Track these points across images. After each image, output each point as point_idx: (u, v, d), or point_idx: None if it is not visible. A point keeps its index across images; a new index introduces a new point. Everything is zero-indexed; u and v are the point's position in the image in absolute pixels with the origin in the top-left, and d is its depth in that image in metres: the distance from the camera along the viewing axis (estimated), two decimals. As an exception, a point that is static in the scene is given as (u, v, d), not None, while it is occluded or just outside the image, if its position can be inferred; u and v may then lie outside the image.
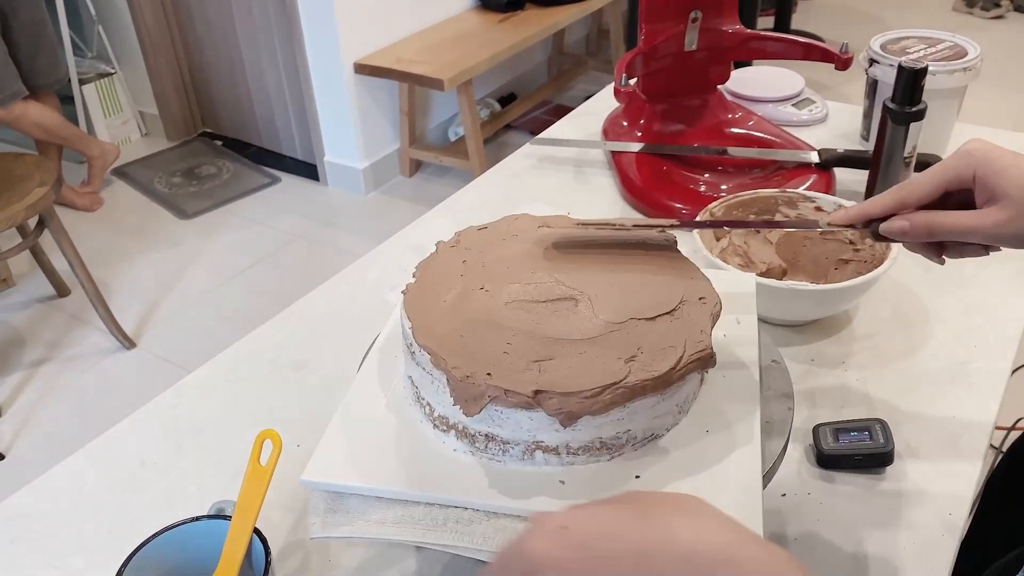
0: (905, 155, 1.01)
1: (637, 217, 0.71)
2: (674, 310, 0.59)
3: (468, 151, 2.88)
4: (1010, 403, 0.89)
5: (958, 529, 0.68)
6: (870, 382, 0.83)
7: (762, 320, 0.84)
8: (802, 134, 1.25)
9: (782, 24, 3.58)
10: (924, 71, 0.97)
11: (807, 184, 1.09)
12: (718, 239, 0.94)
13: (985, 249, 0.60)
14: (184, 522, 0.60)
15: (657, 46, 1.14)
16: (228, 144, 3.37)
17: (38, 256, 2.44)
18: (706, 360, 0.57)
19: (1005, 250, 0.60)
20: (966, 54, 1.15)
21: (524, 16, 3.06)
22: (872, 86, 1.20)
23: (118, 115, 3.35)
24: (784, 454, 0.60)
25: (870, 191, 1.05)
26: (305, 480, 0.57)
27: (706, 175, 1.15)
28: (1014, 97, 3.38)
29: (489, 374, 0.54)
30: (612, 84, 1.19)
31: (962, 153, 0.58)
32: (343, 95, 2.81)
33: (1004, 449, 1.25)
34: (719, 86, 1.24)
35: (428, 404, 0.60)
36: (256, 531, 0.59)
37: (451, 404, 0.56)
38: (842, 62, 1.11)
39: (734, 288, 0.70)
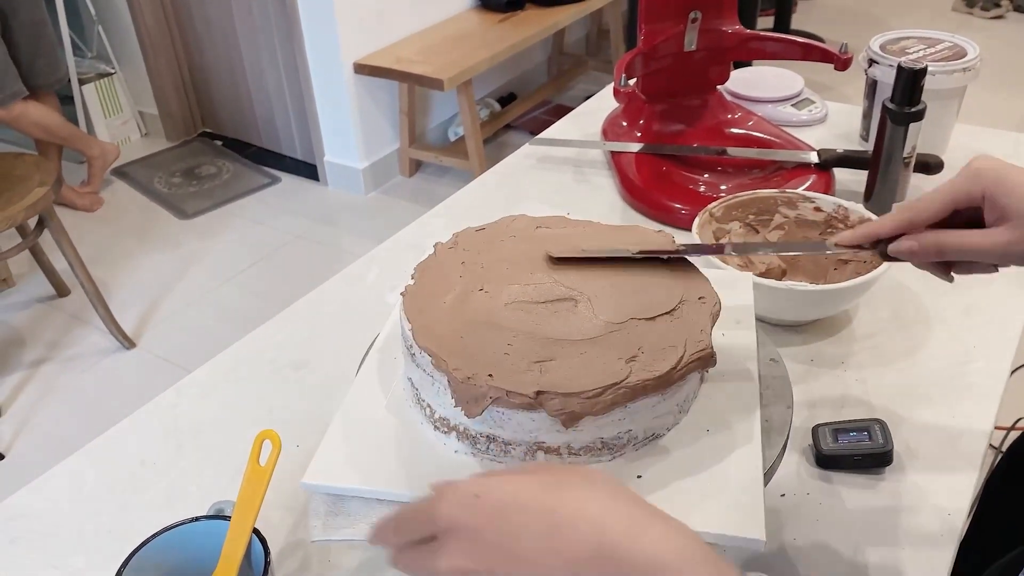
0: (904, 155, 1.01)
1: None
2: (674, 310, 0.59)
3: (468, 151, 2.88)
4: (1009, 403, 0.89)
5: (957, 529, 0.68)
6: (869, 382, 0.83)
7: (761, 320, 0.84)
8: (802, 134, 1.25)
9: (782, 24, 3.59)
10: (923, 71, 0.97)
11: (806, 184, 1.09)
12: (718, 239, 0.94)
13: (994, 267, 0.59)
14: (184, 522, 0.60)
15: (657, 46, 1.14)
16: (228, 144, 3.37)
17: (38, 256, 2.44)
18: (706, 360, 0.57)
19: None
20: (965, 54, 1.15)
21: (524, 16, 3.06)
22: (871, 86, 1.20)
23: (118, 115, 3.35)
24: (783, 454, 0.60)
25: (869, 191, 1.05)
26: (306, 483, 0.57)
27: (706, 175, 1.15)
28: (1014, 97, 3.38)
29: (490, 375, 0.54)
30: (612, 84, 1.19)
31: (971, 171, 0.57)
32: (343, 95, 2.81)
33: (1004, 449, 1.25)
34: (719, 86, 1.24)
35: (429, 406, 0.60)
36: (255, 531, 0.59)
37: (452, 406, 0.56)
38: (841, 62, 1.11)
39: (732, 288, 0.70)
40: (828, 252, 0.64)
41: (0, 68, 2.43)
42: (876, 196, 1.04)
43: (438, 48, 2.81)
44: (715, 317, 0.60)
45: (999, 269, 0.60)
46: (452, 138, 3.22)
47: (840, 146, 1.17)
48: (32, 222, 2.19)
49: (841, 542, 0.68)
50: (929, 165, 1.08)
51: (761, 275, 0.88)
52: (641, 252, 0.65)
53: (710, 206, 0.94)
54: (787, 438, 0.61)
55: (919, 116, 0.99)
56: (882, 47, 1.18)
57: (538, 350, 0.56)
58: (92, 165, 2.93)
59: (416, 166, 3.10)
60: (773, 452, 0.59)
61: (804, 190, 1.05)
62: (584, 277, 0.63)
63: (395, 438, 0.60)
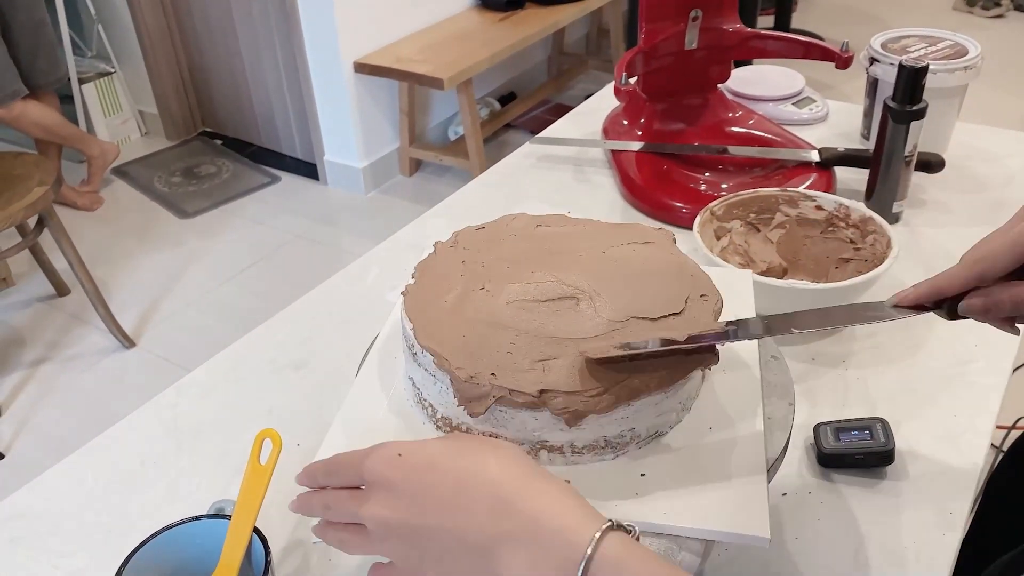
0: (906, 154, 1.01)
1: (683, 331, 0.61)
2: (681, 311, 0.59)
3: (468, 150, 2.88)
4: (1010, 402, 0.89)
5: (959, 528, 0.68)
6: (871, 381, 0.83)
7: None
8: (803, 133, 1.25)
9: (782, 23, 3.59)
10: (925, 70, 0.97)
11: (807, 183, 1.09)
12: (719, 238, 0.94)
13: None
14: (184, 521, 0.60)
15: (657, 45, 1.14)
16: (228, 143, 3.37)
17: (38, 255, 2.44)
18: (709, 358, 0.57)
19: None
20: (967, 53, 1.15)
21: (524, 15, 3.06)
22: (872, 85, 1.20)
23: (118, 114, 3.35)
24: (785, 453, 0.60)
25: (871, 190, 1.05)
26: None
27: (706, 174, 1.15)
28: (1015, 96, 3.38)
29: (493, 374, 0.54)
30: (612, 83, 1.19)
31: None
32: (343, 94, 2.81)
33: (1005, 448, 1.25)
34: (719, 85, 1.24)
35: (431, 405, 0.59)
36: (256, 531, 0.59)
37: (454, 405, 0.56)
38: (842, 61, 1.11)
39: (732, 286, 0.70)
40: (889, 320, 0.57)
41: (0, 67, 2.43)
42: (877, 195, 1.04)
43: (438, 47, 2.81)
44: (717, 315, 0.60)
45: None
46: (452, 137, 3.22)
47: (841, 145, 1.17)
48: (32, 221, 2.19)
49: (842, 541, 0.68)
50: (930, 164, 1.07)
51: (762, 273, 0.88)
52: (689, 338, 0.55)
53: (711, 205, 0.94)
54: (788, 437, 0.61)
55: (920, 115, 0.99)
56: (883, 45, 1.18)
57: (541, 349, 0.56)
58: (92, 164, 2.93)
59: (416, 165, 3.10)
60: (774, 451, 0.59)
61: (805, 189, 1.05)
62: (586, 275, 0.63)
63: (397, 438, 0.60)
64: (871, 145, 1.07)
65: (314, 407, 0.83)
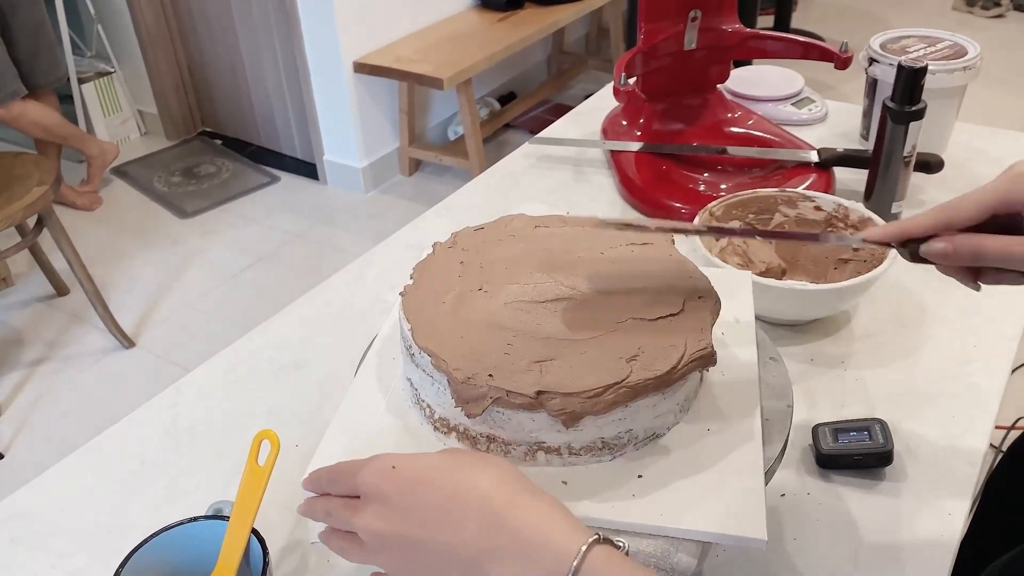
0: (905, 154, 1.01)
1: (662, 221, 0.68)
2: (680, 312, 0.59)
3: (468, 150, 2.88)
4: (1009, 402, 0.89)
5: (958, 529, 0.68)
6: (869, 382, 0.83)
7: (761, 319, 0.84)
8: (802, 133, 1.25)
9: (782, 23, 3.59)
10: (924, 70, 0.97)
11: (807, 183, 1.09)
12: (717, 239, 0.94)
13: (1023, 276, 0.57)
14: (182, 522, 0.60)
15: (657, 45, 1.14)
16: (227, 143, 3.37)
17: (37, 255, 2.44)
18: (707, 359, 0.57)
19: None
20: (966, 53, 1.15)
21: (523, 15, 3.06)
22: (872, 85, 1.20)
23: (117, 114, 3.35)
24: (783, 454, 0.60)
25: (870, 190, 1.05)
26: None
27: (706, 174, 1.15)
28: (1014, 96, 3.38)
29: (491, 375, 0.54)
30: (612, 83, 1.19)
31: (1013, 175, 0.55)
32: (342, 94, 2.81)
33: (1004, 448, 1.25)
34: (719, 85, 1.24)
35: (428, 406, 0.59)
36: (254, 531, 0.59)
37: (452, 406, 0.56)
38: (842, 61, 1.11)
39: (731, 287, 0.70)
40: (855, 246, 0.60)
41: (-1, 67, 2.43)
42: (876, 195, 1.04)
43: (438, 47, 2.81)
44: (715, 316, 0.60)
45: None
46: (452, 137, 3.22)
47: (840, 145, 1.17)
48: (31, 221, 2.19)
49: (841, 542, 0.68)
50: (929, 164, 1.07)
51: (761, 274, 0.88)
52: (659, 228, 0.63)
53: (710, 205, 0.94)
54: (787, 438, 0.61)
55: (919, 115, 0.99)
56: (882, 46, 1.18)
57: (538, 350, 0.56)
58: (91, 164, 2.93)
59: (416, 165, 3.10)
60: (773, 452, 0.59)
61: (804, 189, 1.05)
62: (584, 276, 0.63)
63: (394, 439, 0.60)
64: (870, 146, 1.07)
65: (313, 408, 0.83)
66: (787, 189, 0.97)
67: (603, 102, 1.38)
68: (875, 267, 0.84)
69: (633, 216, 1.12)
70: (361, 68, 2.76)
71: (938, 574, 0.65)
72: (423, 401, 0.60)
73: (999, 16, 4.21)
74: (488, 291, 0.62)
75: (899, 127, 0.99)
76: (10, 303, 2.52)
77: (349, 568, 0.67)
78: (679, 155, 1.17)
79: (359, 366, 0.67)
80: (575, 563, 0.43)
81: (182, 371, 0.89)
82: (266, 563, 0.57)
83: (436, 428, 0.59)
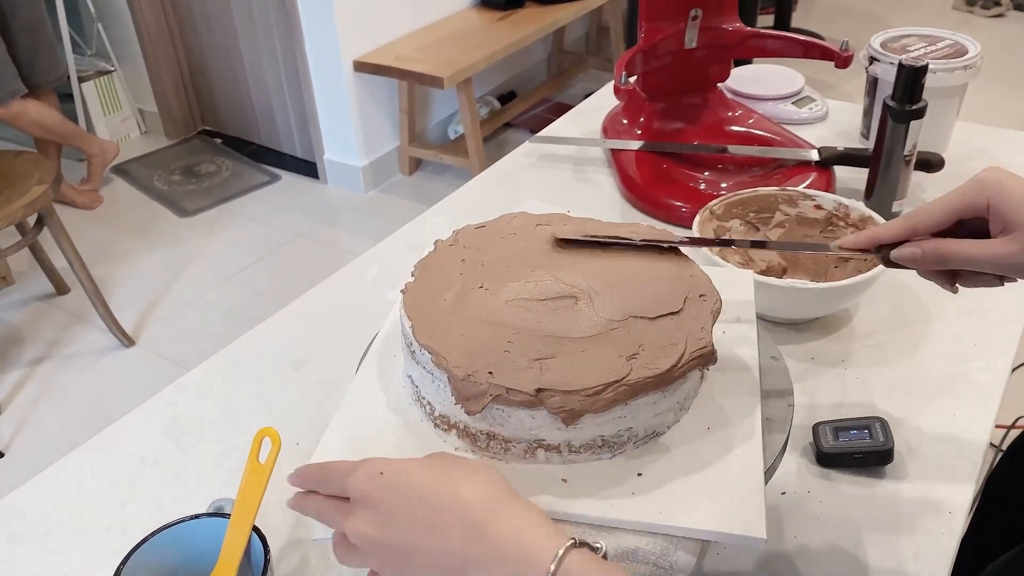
0: (905, 153, 1.01)
1: (646, 228, 0.70)
2: (680, 311, 0.59)
3: (468, 149, 2.88)
4: (1010, 401, 0.89)
5: (958, 527, 0.68)
6: (870, 380, 0.83)
7: (762, 318, 0.84)
8: (802, 132, 1.25)
9: (782, 22, 3.59)
10: (924, 69, 0.97)
11: (807, 182, 1.09)
12: (719, 237, 0.94)
13: (999, 279, 0.59)
14: (183, 520, 0.60)
15: (657, 44, 1.14)
16: (228, 142, 3.37)
17: (37, 254, 2.43)
18: (707, 357, 0.57)
19: None
20: (966, 52, 1.15)
21: (524, 14, 3.06)
22: (872, 84, 1.20)
23: (117, 113, 3.34)
24: (784, 452, 0.60)
25: (870, 189, 1.05)
26: None
27: (706, 173, 1.15)
28: (1014, 95, 3.38)
29: (491, 373, 0.54)
30: (612, 82, 1.19)
31: (977, 181, 0.57)
32: (343, 93, 2.81)
33: (1004, 448, 1.25)
34: (719, 84, 1.24)
35: (429, 403, 0.59)
36: (255, 529, 0.59)
37: (452, 403, 0.56)
38: (842, 60, 1.11)
39: (733, 286, 0.70)
40: (830, 253, 0.64)
41: (-1, 66, 2.43)
42: (877, 194, 1.04)
43: (438, 46, 2.81)
44: (716, 315, 0.60)
45: (1004, 283, 0.59)
46: (452, 136, 3.22)
47: (841, 144, 1.17)
48: (31, 220, 2.19)
49: (842, 540, 0.68)
50: (930, 163, 1.07)
51: (762, 273, 0.88)
52: (644, 240, 0.66)
53: (711, 204, 0.94)
54: (787, 436, 0.61)
55: (920, 114, 0.99)
56: (883, 45, 1.18)
57: (539, 347, 0.56)
58: (92, 163, 2.93)
59: (416, 164, 3.10)
60: (774, 450, 0.59)
61: (805, 188, 1.05)
62: (584, 274, 0.63)
63: (395, 436, 0.60)
64: (871, 144, 1.07)
65: (313, 406, 0.83)
66: (788, 188, 0.97)
67: (603, 101, 1.38)
68: (875, 266, 0.84)
69: (633, 216, 1.12)
70: (361, 67, 2.75)
71: (938, 572, 0.65)
72: (423, 398, 0.60)
73: (999, 16, 4.21)
74: (489, 289, 0.62)
75: (900, 126, 0.99)
76: (10, 302, 2.52)
77: (349, 568, 0.67)
78: (679, 154, 1.17)
79: (360, 364, 0.68)
80: (552, 568, 0.45)
81: (182, 370, 0.89)
82: (267, 561, 0.57)
83: (436, 425, 0.59)
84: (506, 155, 1.28)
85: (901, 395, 0.81)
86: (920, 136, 1.00)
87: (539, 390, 0.53)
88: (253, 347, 0.92)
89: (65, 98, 2.99)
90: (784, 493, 0.72)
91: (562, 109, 1.51)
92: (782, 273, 0.93)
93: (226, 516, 0.59)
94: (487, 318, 0.59)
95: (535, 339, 0.57)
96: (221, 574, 0.57)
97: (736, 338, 0.67)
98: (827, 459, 0.74)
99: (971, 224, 0.58)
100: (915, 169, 1.05)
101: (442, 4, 3.02)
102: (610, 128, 1.25)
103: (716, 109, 1.23)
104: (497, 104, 3.33)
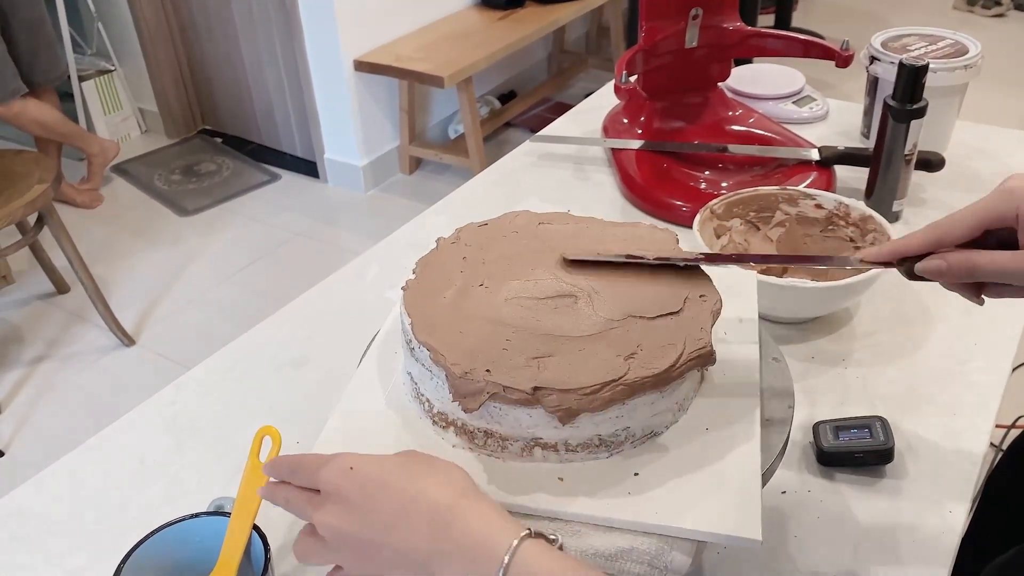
0: (906, 152, 1.01)
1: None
2: (679, 311, 0.59)
3: (468, 149, 2.88)
4: (1010, 401, 0.89)
5: (958, 527, 0.68)
6: (870, 380, 0.83)
7: (763, 318, 0.84)
8: (803, 131, 1.25)
9: (783, 22, 3.59)
10: (925, 68, 0.97)
11: (807, 181, 1.09)
12: (718, 236, 0.94)
13: None
14: (183, 519, 0.60)
15: (657, 43, 1.14)
16: (228, 141, 3.37)
17: (37, 253, 2.43)
18: (706, 358, 0.57)
19: None
20: (967, 52, 1.15)
21: (524, 13, 3.05)
22: (873, 83, 1.20)
23: (118, 112, 3.34)
24: (784, 451, 0.60)
25: (871, 188, 1.05)
26: None
27: (706, 172, 1.15)
28: (1015, 95, 3.38)
29: (488, 371, 0.54)
30: (612, 81, 1.19)
31: (1004, 190, 0.55)
32: (343, 92, 2.81)
33: (1004, 447, 1.25)
34: (719, 83, 1.24)
35: (427, 400, 0.60)
36: (255, 528, 0.59)
37: (450, 400, 0.56)
38: (843, 59, 1.11)
39: (734, 285, 0.70)
40: (850, 267, 0.61)
41: (-1, 65, 2.43)
42: (877, 193, 1.04)
43: (438, 45, 2.80)
44: (716, 315, 0.60)
45: None
46: (452, 136, 3.22)
47: (841, 143, 1.17)
48: (32, 219, 2.19)
49: (842, 539, 0.68)
50: (930, 162, 1.07)
51: (762, 272, 0.88)
52: (657, 259, 0.63)
53: (711, 203, 0.94)
54: (788, 435, 0.61)
55: (920, 113, 0.98)
56: (883, 44, 1.18)
57: (537, 346, 0.56)
58: (92, 162, 2.93)
59: (416, 164, 3.10)
60: (774, 450, 0.59)
61: (805, 187, 1.05)
62: (585, 274, 0.63)
63: (393, 433, 0.60)
64: (871, 144, 1.07)
65: (314, 404, 0.83)
66: (788, 187, 0.97)
67: (604, 100, 1.38)
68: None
69: (633, 215, 1.12)
70: (361, 66, 2.75)
71: (938, 572, 0.65)
72: (422, 395, 0.60)
73: (999, 15, 4.21)
74: (489, 287, 0.62)
75: (900, 125, 0.99)
76: (10, 301, 2.52)
77: (349, 565, 0.67)
78: (680, 153, 1.17)
79: (360, 362, 0.68)
80: (506, 558, 0.47)
81: (182, 369, 0.89)
82: (267, 559, 0.57)
83: (435, 422, 0.59)
84: (506, 154, 1.28)
85: (902, 394, 0.81)
86: (920, 135, 1.00)
87: (536, 388, 0.53)
88: (253, 346, 0.92)
89: (65, 97, 2.99)
90: (784, 492, 0.72)
91: (562, 108, 1.51)
92: (783, 272, 0.93)
93: (226, 515, 0.59)
94: (486, 316, 0.59)
95: (534, 337, 0.57)
96: (221, 573, 0.57)
97: (737, 338, 0.67)
98: (828, 458, 0.74)
99: (997, 234, 0.55)
100: (915, 168, 1.05)
101: (442, 3, 3.02)
102: (610, 127, 1.25)
103: (717, 108, 1.23)
104: (497, 103, 3.33)
